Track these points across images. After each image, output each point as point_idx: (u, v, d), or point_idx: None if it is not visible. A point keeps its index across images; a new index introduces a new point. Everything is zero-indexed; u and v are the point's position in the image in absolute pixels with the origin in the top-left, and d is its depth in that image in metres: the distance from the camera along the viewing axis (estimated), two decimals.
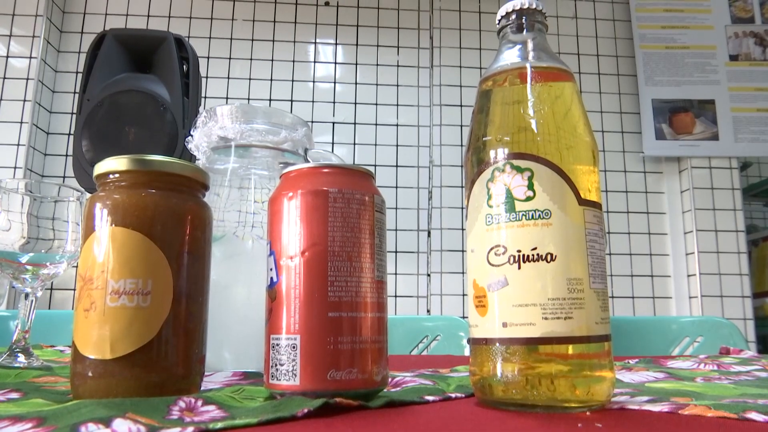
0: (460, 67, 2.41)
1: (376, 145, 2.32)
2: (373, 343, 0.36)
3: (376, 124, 2.36)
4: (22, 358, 0.59)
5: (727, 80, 2.13)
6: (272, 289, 0.37)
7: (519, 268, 0.34)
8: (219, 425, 0.27)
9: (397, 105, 2.38)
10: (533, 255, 0.33)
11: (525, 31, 0.39)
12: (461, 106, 2.38)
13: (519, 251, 0.34)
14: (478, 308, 0.35)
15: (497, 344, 0.34)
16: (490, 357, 0.34)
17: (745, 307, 2.17)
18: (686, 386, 0.46)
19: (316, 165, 0.39)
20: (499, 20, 0.40)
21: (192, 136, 0.64)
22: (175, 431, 0.26)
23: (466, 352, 1.16)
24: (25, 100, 2.14)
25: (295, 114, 0.65)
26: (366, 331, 0.36)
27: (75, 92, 2.28)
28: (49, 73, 2.24)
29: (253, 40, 2.40)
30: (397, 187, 2.32)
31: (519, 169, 0.35)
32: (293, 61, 2.40)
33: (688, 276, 2.22)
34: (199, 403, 0.33)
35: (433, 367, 0.59)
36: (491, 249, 0.35)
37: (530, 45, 0.39)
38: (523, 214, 0.34)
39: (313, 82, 2.40)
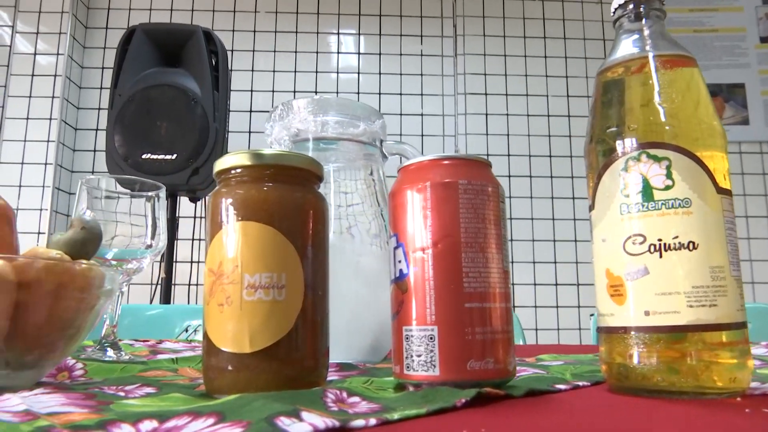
0: (485, 55, 2.40)
1: (401, 135, 2.32)
2: (504, 333, 0.37)
3: (400, 114, 2.36)
4: (110, 352, 0.60)
5: (758, 63, 2.11)
6: (402, 281, 0.37)
7: (660, 256, 0.34)
8: (396, 416, 0.28)
9: (422, 95, 2.38)
10: (675, 243, 0.34)
11: (644, 19, 0.39)
12: (486, 94, 2.37)
13: (660, 240, 0.34)
14: (613, 297, 0.36)
15: (638, 332, 0.34)
16: (630, 345, 0.35)
17: None
18: None
19: (437, 157, 0.39)
20: (615, 10, 0.40)
21: (269, 129, 0.64)
22: (359, 423, 0.26)
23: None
24: (53, 97, 2.15)
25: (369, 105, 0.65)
26: (498, 321, 0.36)
27: (101, 88, 2.29)
28: (75, 70, 2.25)
29: (276, 32, 2.40)
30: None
31: (656, 158, 0.35)
32: (316, 53, 2.40)
33: None
34: (344, 394, 0.33)
35: (518, 357, 0.60)
36: (628, 238, 0.35)
37: (650, 33, 0.39)
38: (662, 203, 0.34)
39: (337, 73, 2.40)
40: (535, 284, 2.16)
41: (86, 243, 0.42)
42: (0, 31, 2.24)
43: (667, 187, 0.34)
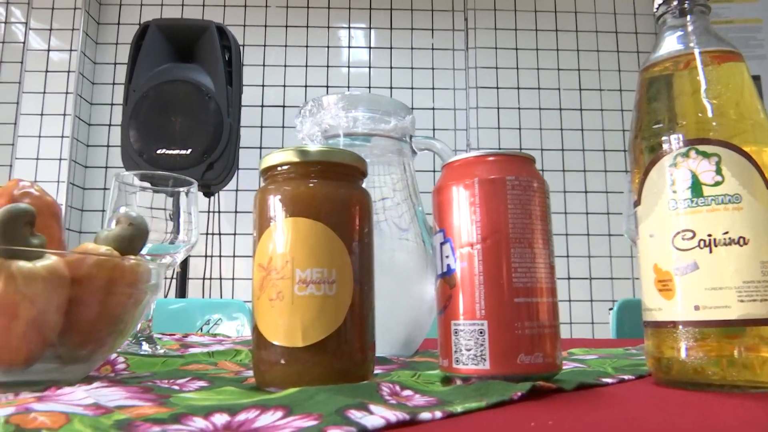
0: (496, 48, 2.39)
1: None
2: (551, 328, 0.37)
3: (411, 108, 2.34)
4: (146, 346, 0.61)
5: None
6: (450, 276, 0.38)
7: (710, 252, 0.34)
8: (458, 409, 0.28)
9: (433, 89, 2.38)
10: (725, 239, 0.34)
11: (689, 15, 0.39)
12: (497, 88, 2.37)
13: (709, 235, 0.34)
14: (662, 292, 0.36)
15: (688, 327, 0.34)
16: (679, 339, 0.35)
17: None
18: None
19: (482, 153, 0.39)
20: (659, 6, 0.40)
21: (300, 125, 0.64)
22: (426, 416, 0.27)
23: None
24: (67, 93, 2.16)
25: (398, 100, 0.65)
26: (545, 315, 0.37)
27: (114, 83, 2.30)
28: (88, 65, 2.26)
29: (287, 26, 2.40)
30: (434, 171, 2.30)
31: (705, 155, 0.35)
32: (327, 47, 2.40)
33: None
34: (397, 388, 0.34)
35: None
36: (677, 234, 0.35)
37: (695, 28, 0.39)
38: (712, 199, 0.34)
39: (348, 67, 2.40)
40: None
41: (134, 239, 0.42)
42: (14, 28, 2.25)
43: (717, 183, 0.34)
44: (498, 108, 2.35)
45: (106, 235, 0.42)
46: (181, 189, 0.64)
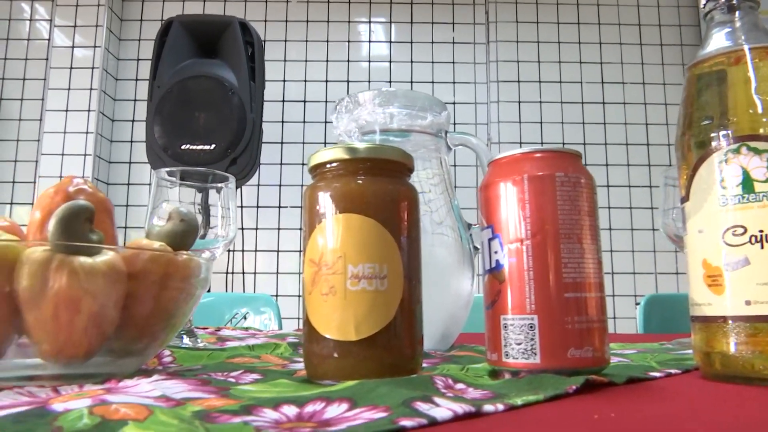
0: (517, 42, 2.38)
1: None
2: (600, 322, 0.38)
3: None
4: (187, 339, 0.62)
5: None
6: (499, 271, 0.38)
7: (762, 247, 0.34)
8: (519, 402, 0.29)
9: (454, 83, 2.37)
10: None
11: (737, 11, 0.39)
12: (519, 81, 2.36)
13: (761, 231, 0.34)
14: (711, 287, 0.36)
15: (738, 321, 0.35)
16: (729, 334, 0.35)
17: None
18: None
19: (530, 150, 0.40)
20: (706, 3, 0.40)
21: (336, 121, 0.65)
22: (490, 408, 0.27)
23: None
24: (91, 89, 2.19)
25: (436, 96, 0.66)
26: (594, 310, 0.37)
27: (137, 79, 2.32)
28: (111, 62, 2.28)
29: (307, 21, 2.41)
30: (455, 166, 2.31)
31: (756, 151, 0.35)
32: (348, 42, 2.41)
33: None
34: (450, 381, 0.35)
35: None
36: (728, 229, 0.36)
37: (743, 24, 0.39)
38: (764, 195, 0.35)
39: (369, 61, 2.40)
40: None
41: (186, 235, 0.43)
42: (38, 25, 2.28)
43: None
44: (519, 102, 2.34)
45: (158, 231, 0.43)
46: (220, 184, 0.65)
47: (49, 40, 2.24)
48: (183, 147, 1.82)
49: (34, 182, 2.16)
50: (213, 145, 1.84)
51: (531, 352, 0.36)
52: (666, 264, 2.19)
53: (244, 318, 1.25)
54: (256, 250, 2.23)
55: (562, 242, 0.37)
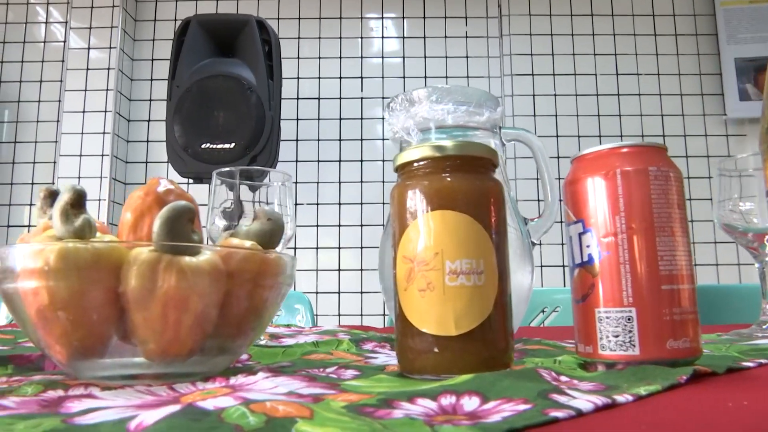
0: (530, 35, 2.38)
1: None
2: (693, 313, 0.38)
3: None
4: None
5: None
6: (591, 265, 0.39)
7: None
8: (642, 392, 0.29)
9: (468, 77, 2.38)
10: None
11: None
12: (533, 75, 2.36)
13: None
14: None
15: None
16: None
17: None
18: None
19: (616, 145, 0.40)
20: None
21: (390, 119, 0.65)
22: (622, 399, 0.28)
23: None
24: (107, 90, 2.19)
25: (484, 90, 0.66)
26: (687, 301, 0.38)
27: (152, 79, 2.33)
28: (126, 62, 2.28)
29: (320, 18, 2.41)
30: (518, 158, 2.28)
31: None
32: (361, 38, 2.41)
33: None
34: (553, 374, 0.35)
35: None
36: None
37: None
38: None
39: (382, 57, 2.40)
40: None
41: (274, 233, 0.44)
42: (53, 27, 2.28)
43: None
44: (533, 95, 2.34)
45: (246, 231, 0.44)
46: (278, 182, 0.66)
47: (64, 42, 2.24)
48: (203, 146, 1.82)
49: (53, 183, 2.17)
50: (233, 144, 1.84)
51: (630, 344, 0.37)
52: (705, 256, 2.20)
53: (277, 315, 1.25)
54: None
55: (657, 235, 0.38)
